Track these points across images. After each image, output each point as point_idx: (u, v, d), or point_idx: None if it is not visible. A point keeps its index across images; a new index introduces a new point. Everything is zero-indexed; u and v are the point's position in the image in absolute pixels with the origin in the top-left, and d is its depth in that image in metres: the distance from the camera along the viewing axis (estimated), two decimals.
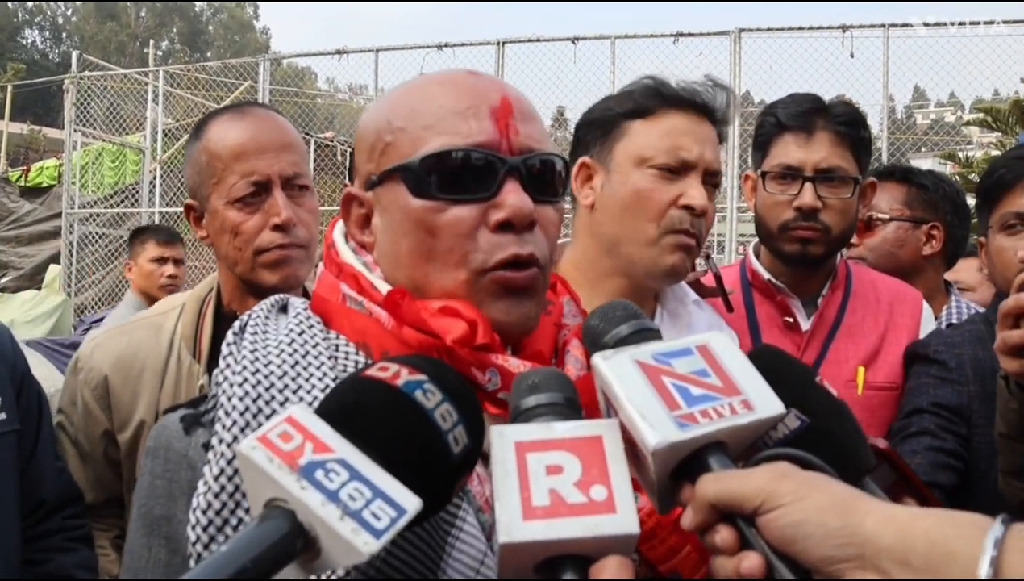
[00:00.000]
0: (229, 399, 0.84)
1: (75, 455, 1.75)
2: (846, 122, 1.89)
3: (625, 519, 0.67)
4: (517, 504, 0.67)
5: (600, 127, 1.65)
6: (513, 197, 0.89)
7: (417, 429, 0.69)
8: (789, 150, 1.89)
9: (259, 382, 0.85)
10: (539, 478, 0.68)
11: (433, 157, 0.90)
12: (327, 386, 0.85)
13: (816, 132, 1.88)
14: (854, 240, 2.50)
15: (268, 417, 0.83)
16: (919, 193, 2.53)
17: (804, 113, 1.89)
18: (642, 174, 1.57)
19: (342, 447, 0.66)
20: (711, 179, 1.59)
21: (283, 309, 1.00)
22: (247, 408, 0.83)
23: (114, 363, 1.69)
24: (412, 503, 0.65)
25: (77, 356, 1.75)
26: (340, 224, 1.04)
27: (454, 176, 0.90)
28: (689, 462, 0.70)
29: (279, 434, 0.66)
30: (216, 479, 0.81)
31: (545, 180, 0.93)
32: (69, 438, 1.76)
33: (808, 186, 1.87)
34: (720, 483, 0.68)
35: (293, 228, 1.62)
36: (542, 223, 0.93)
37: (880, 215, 2.51)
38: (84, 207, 10.25)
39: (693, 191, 1.55)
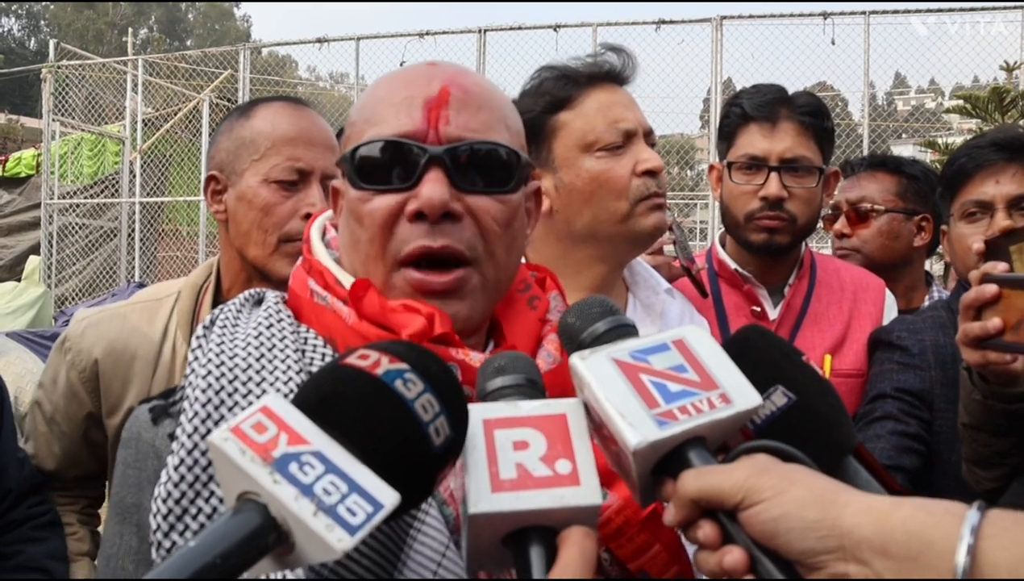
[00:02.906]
0: (193, 390, 0.85)
1: (46, 432, 1.73)
2: (810, 112, 1.91)
3: (588, 491, 0.69)
4: (486, 477, 0.69)
5: (528, 131, 1.67)
6: (427, 187, 0.88)
7: (397, 420, 0.67)
8: (754, 140, 1.92)
9: (223, 374, 0.86)
10: (506, 453, 0.70)
11: (359, 148, 0.92)
12: (291, 379, 0.86)
13: (780, 122, 1.91)
14: (847, 230, 2.54)
15: (231, 409, 0.84)
16: (910, 184, 2.54)
17: (768, 104, 1.92)
18: (592, 159, 1.59)
19: (318, 439, 0.65)
20: (649, 138, 1.63)
21: (258, 302, 1.01)
22: (209, 400, 0.84)
23: (106, 348, 1.67)
24: (390, 498, 0.64)
25: (66, 335, 1.71)
26: (319, 221, 1.06)
27: (377, 166, 0.91)
28: (670, 457, 0.71)
29: (253, 425, 0.64)
30: (176, 469, 0.81)
31: (482, 170, 0.92)
32: (44, 416, 1.73)
33: (773, 176, 1.89)
34: (701, 479, 0.69)
35: None
36: (477, 214, 0.91)
37: (876, 206, 2.51)
38: (63, 197, 10.17)
39: (645, 154, 1.60)
